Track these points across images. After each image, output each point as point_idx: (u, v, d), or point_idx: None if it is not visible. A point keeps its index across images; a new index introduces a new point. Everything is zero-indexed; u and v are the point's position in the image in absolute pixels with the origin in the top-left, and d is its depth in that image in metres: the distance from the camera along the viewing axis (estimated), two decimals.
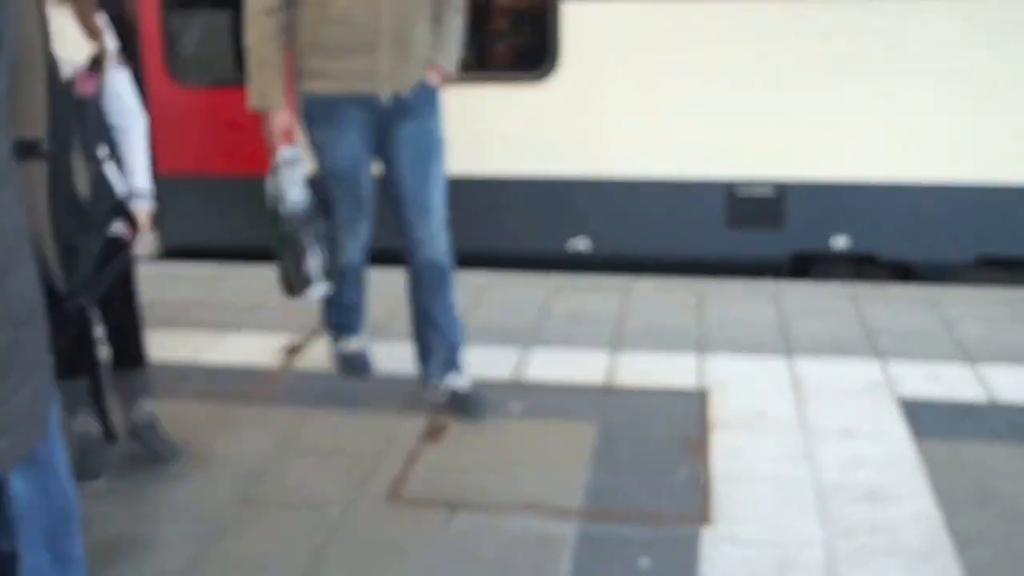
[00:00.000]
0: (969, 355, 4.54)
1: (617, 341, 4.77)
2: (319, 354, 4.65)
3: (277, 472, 3.63)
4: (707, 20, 5.57)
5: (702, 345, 4.70)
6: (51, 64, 3.08)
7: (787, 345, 4.68)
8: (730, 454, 3.67)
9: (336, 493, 3.46)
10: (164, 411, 4.08)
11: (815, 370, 4.39)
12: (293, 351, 4.69)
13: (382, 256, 6.30)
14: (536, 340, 4.81)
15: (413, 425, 3.95)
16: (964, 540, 3.11)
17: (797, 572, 2.95)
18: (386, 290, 5.48)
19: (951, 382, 4.27)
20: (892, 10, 5.40)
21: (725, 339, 4.76)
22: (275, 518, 3.33)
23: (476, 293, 5.48)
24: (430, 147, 3.95)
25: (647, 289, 5.52)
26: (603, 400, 4.15)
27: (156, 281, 5.79)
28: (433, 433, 3.88)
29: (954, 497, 3.35)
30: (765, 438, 3.79)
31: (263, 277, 5.78)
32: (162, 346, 4.77)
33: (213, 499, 3.43)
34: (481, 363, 4.50)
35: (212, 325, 5.09)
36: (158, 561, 3.10)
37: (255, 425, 3.99)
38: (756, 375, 4.35)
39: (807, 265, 5.95)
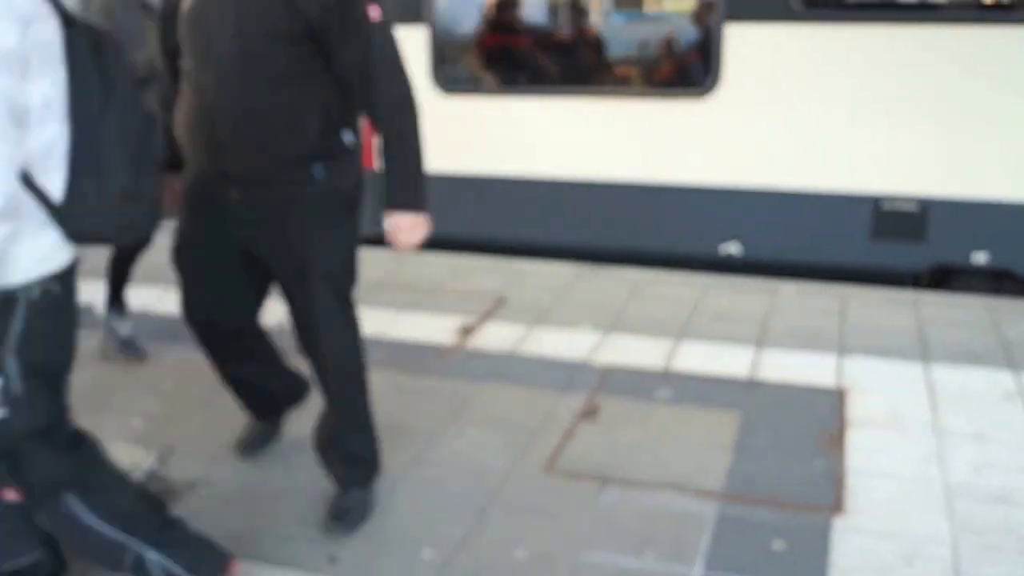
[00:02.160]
0: None
1: (761, 339, 4.70)
2: (491, 335, 4.75)
3: (447, 438, 3.74)
4: (858, 43, 5.43)
5: (842, 347, 4.59)
6: None
7: (924, 351, 4.52)
8: (864, 450, 3.58)
9: (498, 461, 3.55)
10: None
11: (950, 376, 4.23)
12: (467, 331, 4.81)
13: (542, 251, 6.40)
14: (686, 333, 4.79)
15: (571, 404, 4.00)
16: None
17: (923, 565, 2.88)
18: (549, 281, 5.57)
19: None
20: None
21: (864, 343, 4.63)
22: (443, 479, 3.44)
23: (633, 288, 5.48)
24: None
25: (792, 292, 5.42)
26: (746, 392, 4.11)
27: None
28: (589, 412, 3.92)
29: None
30: (899, 437, 3.69)
31: (441, 263, 5.95)
32: None
33: (390, 458, 3.55)
34: (635, 352, 4.53)
35: (395, 305, 5.25)
36: None
37: (430, 396, 4.12)
38: (893, 378, 4.23)
39: (947, 278, 5.73)
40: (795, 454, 3.57)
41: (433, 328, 4.88)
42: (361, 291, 5.45)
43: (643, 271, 5.84)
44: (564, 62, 6.19)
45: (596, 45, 6.14)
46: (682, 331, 4.82)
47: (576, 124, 6.10)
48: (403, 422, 3.86)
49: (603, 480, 3.40)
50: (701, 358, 4.48)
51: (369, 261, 6.08)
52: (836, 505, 3.21)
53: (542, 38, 6.23)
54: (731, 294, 5.39)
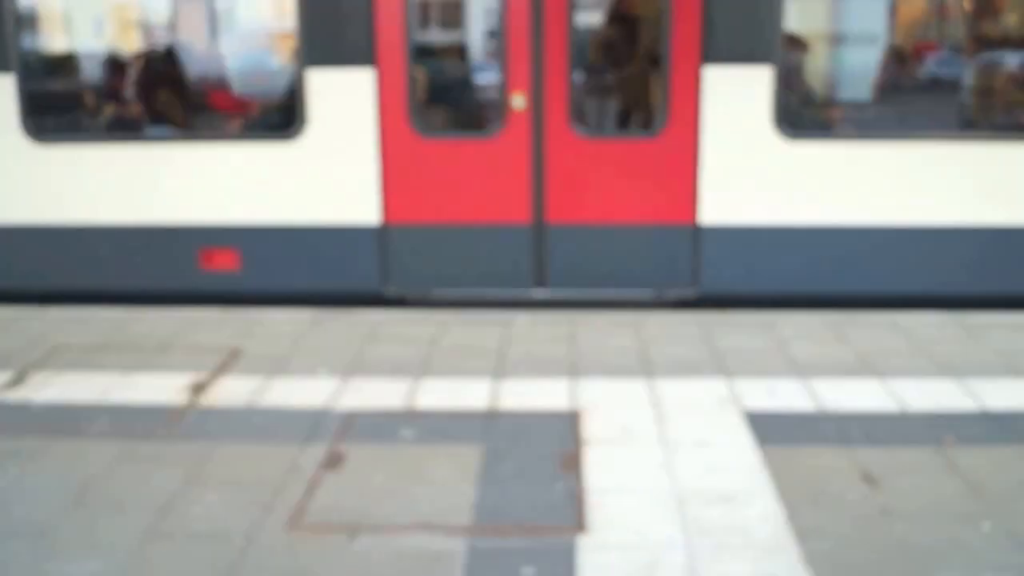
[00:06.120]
0: (800, 371, 4.69)
1: (499, 370, 4.74)
2: (226, 390, 4.51)
3: (183, 505, 3.49)
4: None
5: (574, 371, 4.71)
6: None
7: (647, 368, 4.73)
8: (601, 468, 3.69)
9: (240, 522, 3.35)
10: (69, 452, 3.90)
11: (672, 389, 4.45)
12: (199, 389, 4.54)
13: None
14: (427, 371, 4.73)
15: (314, 453, 3.86)
16: (803, 532, 3.21)
17: (663, 571, 2.98)
18: (285, 328, 5.39)
19: (786, 395, 4.41)
20: None
21: (594, 365, 4.79)
22: (181, 550, 3.20)
23: (371, 329, 5.38)
24: None
25: (525, 322, 5.51)
26: (487, 424, 4.12)
27: (63, 325, 5.54)
28: (333, 461, 3.79)
29: (793, 496, 3.45)
30: (630, 451, 3.82)
31: (170, 318, 5.61)
32: (69, 388, 4.57)
33: (122, 535, 3.28)
34: (377, 394, 4.45)
35: (120, 367, 4.88)
36: None
37: (161, 461, 3.83)
38: (622, 396, 4.38)
39: None
40: (537, 479, 3.61)
41: (161, 388, 4.56)
42: (82, 355, 5.04)
43: (381, 312, 5.75)
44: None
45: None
46: (423, 369, 4.78)
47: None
48: (133, 494, 3.56)
49: (352, 529, 3.29)
50: (442, 394, 4.45)
51: (88, 322, 5.62)
52: (579, 525, 3.27)
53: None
54: (469, 328, 5.41)
